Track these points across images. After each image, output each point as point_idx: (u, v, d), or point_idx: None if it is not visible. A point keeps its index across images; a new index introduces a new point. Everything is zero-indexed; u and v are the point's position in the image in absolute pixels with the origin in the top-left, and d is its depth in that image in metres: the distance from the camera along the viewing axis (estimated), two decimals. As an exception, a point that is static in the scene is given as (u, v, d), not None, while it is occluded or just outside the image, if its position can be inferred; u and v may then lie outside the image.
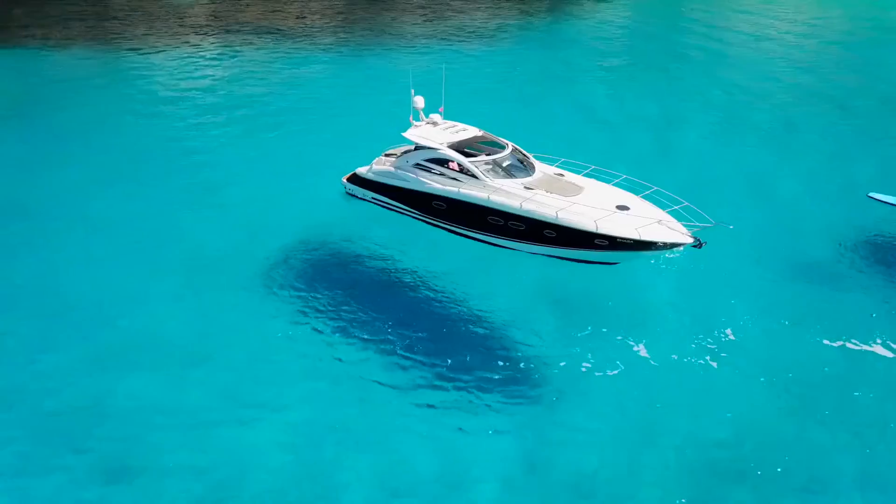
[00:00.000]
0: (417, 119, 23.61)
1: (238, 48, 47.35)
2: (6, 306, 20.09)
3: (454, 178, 21.47)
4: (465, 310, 20.00)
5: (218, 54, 45.94)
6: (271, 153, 30.51)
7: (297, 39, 49.79)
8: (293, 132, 32.91)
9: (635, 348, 18.11)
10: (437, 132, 22.68)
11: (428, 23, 56.15)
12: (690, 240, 18.69)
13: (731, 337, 18.63)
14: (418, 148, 22.50)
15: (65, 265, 22.03)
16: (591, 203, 19.83)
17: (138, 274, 21.56)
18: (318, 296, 20.46)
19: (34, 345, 18.48)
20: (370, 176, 23.91)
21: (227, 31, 51.38)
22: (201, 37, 49.96)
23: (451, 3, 63.92)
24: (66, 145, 31.31)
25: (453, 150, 21.65)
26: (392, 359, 17.99)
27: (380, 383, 17.21)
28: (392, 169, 23.16)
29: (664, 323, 19.20)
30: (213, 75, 41.64)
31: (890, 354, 18.44)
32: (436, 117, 23.58)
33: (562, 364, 17.79)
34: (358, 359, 18.04)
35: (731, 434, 15.91)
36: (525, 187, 20.53)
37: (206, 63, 44.00)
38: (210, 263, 22.08)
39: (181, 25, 53.07)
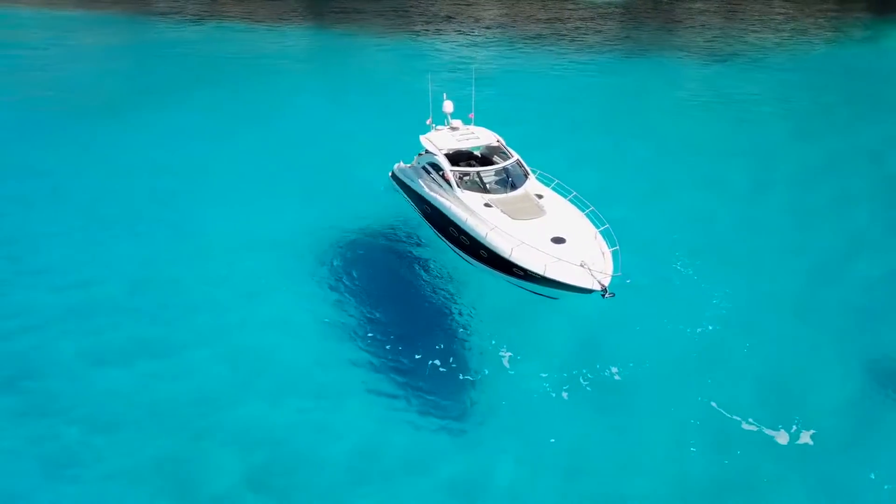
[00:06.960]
0: (441, 123, 26.18)
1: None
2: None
3: (439, 185, 23.81)
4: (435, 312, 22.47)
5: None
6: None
7: (564, 43, 56.11)
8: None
9: (505, 362, 19.87)
10: (447, 137, 24.85)
11: (707, 32, 58.26)
12: (598, 287, 18.18)
13: (617, 377, 19.33)
14: (427, 151, 25.39)
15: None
16: (532, 230, 20.30)
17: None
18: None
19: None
20: (397, 172, 27.49)
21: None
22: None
23: (753, 10, 63.98)
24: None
25: (447, 156, 23.87)
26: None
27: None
28: (408, 169, 26.47)
29: (557, 351, 20.41)
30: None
31: (784, 441, 17.67)
32: (456, 122, 25.91)
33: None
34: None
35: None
36: (485, 203, 21.91)
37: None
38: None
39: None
